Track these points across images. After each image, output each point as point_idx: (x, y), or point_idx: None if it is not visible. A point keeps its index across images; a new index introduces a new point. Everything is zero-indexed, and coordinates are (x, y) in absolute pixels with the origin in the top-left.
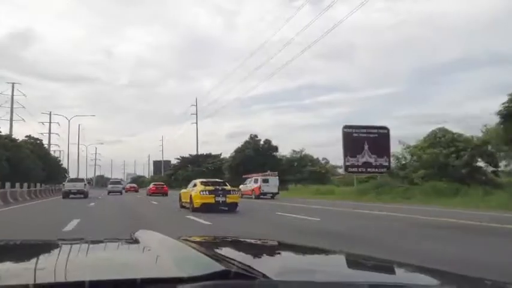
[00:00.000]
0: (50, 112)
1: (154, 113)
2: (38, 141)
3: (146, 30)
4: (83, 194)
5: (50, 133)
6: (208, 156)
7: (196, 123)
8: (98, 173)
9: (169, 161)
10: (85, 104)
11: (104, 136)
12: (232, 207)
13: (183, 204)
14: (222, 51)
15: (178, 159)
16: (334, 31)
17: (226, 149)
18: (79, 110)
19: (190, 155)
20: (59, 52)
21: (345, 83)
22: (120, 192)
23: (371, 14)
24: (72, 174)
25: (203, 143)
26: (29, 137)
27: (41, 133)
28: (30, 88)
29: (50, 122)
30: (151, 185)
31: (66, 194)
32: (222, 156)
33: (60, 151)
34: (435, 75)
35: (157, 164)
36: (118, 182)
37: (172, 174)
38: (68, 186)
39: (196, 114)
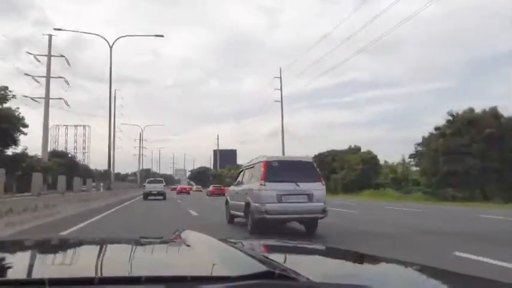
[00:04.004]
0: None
1: (198, 112)
2: None
3: (190, 31)
4: (162, 196)
5: (49, 77)
6: None
7: None
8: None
9: (235, 150)
10: (132, 105)
11: (150, 136)
12: None
13: None
14: (264, 50)
15: None
16: (379, 24)
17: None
18: (126, 111)
19: None
20: (108, 55)
21: (390, 78)
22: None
23: (418, 4)
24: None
25: (241, 142)
26: None
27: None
28: (83, 90)
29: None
30: (210, 187)
31: (147, 196)
32: None
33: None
34: (490, 68)
35: (220, 153)
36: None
37: None
38: (148, 187)
39: None
